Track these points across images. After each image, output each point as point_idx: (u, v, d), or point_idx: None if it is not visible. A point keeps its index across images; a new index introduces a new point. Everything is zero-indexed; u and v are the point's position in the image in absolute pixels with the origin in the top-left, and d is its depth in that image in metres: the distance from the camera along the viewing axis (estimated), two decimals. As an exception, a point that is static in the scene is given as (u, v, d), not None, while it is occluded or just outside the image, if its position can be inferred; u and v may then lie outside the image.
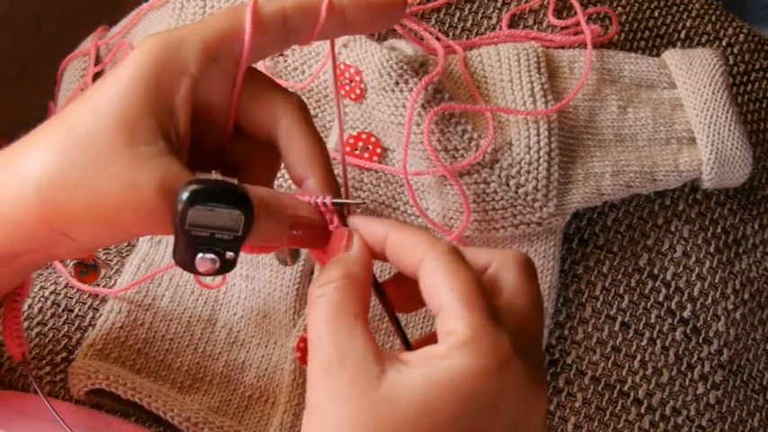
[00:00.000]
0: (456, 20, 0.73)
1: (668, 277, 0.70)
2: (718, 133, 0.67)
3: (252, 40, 0.42)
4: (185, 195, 0.39)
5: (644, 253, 0.70)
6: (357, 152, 0.66)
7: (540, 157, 0.65)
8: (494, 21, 0.74)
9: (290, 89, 0.67)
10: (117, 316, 0.62)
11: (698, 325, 0.69)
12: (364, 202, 0.43)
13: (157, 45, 0.41)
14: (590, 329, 0.67)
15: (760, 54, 0.79)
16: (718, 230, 0.72)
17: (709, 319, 0.70)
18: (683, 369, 0.68)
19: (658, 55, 0.74)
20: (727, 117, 0.67)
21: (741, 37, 0.79)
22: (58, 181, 0.40)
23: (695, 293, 0.70)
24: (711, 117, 0.67)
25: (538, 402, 0.40)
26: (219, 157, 0.46)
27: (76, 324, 0.63)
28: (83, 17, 0.84)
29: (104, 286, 0.64)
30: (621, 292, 0.69)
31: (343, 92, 0.65)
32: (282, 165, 0.47)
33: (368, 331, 0.39)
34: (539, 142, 0.65)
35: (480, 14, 0.74)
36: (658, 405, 0.67)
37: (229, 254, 0.41)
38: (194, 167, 0.43)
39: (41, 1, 0.89)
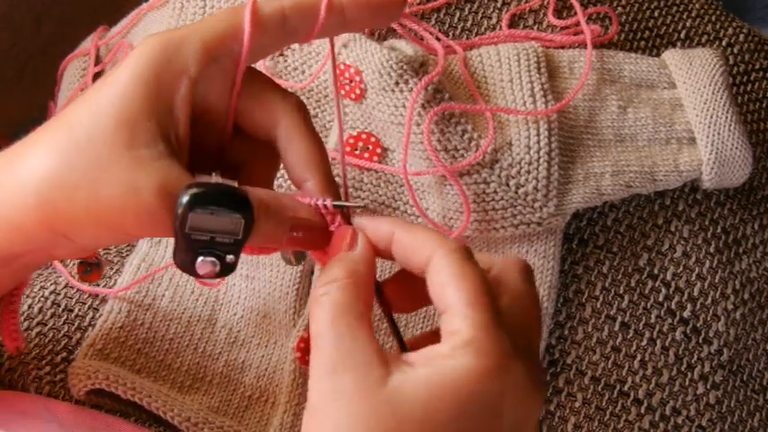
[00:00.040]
0: (456, 20, 0.73)
1: (668, 277, 0.70)
2: (718, 133, 0.67)
3: (251, 41, 0.42)
4: (185, 199, 0.39)
5: (644, 253, 0.70)
6: (357, 152, 0.66)
7: (540, 157, 0.65)
8: (494, 21, 0.74)
9: (290, 89, 0.67)
10: (117, 316, 0.62)
11: (698, 325, 0.69)
12: (365, 205, 0.43)
13: (157, 46, 0.41)
14: (590, 329, 0.67)
15: (760, 54, 0.79)
16: (718, 230, 0.72)
17: (709, 319, 0.70)
18: (683, 369, 0.68)
19: (658, 55, 0.74)
20: (727, 117, 0.67)
21: (741, 37, 0.79)
22: (58, 183, 0.40)
23: (695, 293, 0.70)
24: (711, 117, 0.67)
25: (536, 405, 0.40)
26: (219, 157, 0.46)
27: (76, 324, 0.63)
28: (83, 17, 0.84)
29: (104, 286, 0.64)
30: (621, 292, 0.69)
31: (343, 92, 0.65)
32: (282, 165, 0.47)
33: (372, 332, 0.39)
34: (539, 142, 0.65)
35: (480, 14, 0.74)
36: (658, 405, 0.67)
37: (230, 257, 0.41)
38: (194, 168, 0.43)
39: (41, 1, 0.89)
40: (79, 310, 0.63)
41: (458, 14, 0.73)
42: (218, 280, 0.63)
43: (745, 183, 0.71)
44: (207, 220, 0.39)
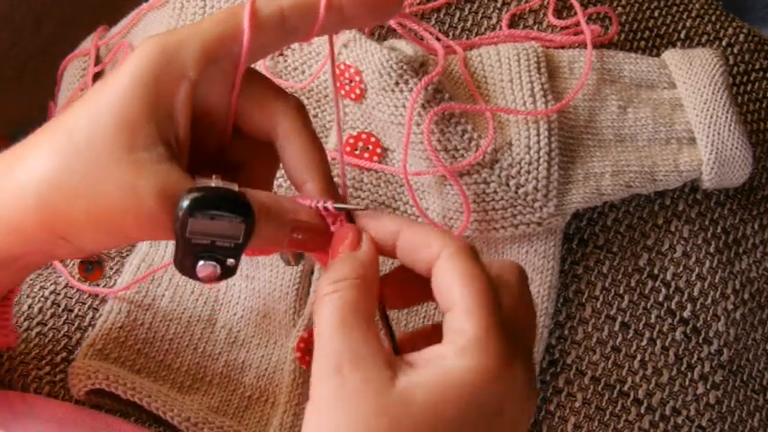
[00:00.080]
0: (456, 20, 0.73)
1: (668, 277, 0.70)
2: (718, 133, 0.67)
3: (250, 42, 0.42)
4: (185, 204, 0.39)
5: (644, 253, 0.70)
6: (357, 152, 0.66)
7: (539, 157, 0.65)
8: (494, 21, 0.74)
9: (290, 89, 0.67)
10: (117, 316, 0.62)
11: (698, 325, 0.69)
12: (366, 208, 0.43)
13: (156, 48, 0.41)
14: (590, 329, 0.67)
15: (760, 54, 0.79)
16: (718, 230, 0.72)
17: (709, 319, 0.70)
18: (682, 369, 0.68)
19: (658, 55, 0.74)
20: (727, 117, 0.67)
21: (741, 37, 0.79)
22: (57, 186, 0.40)
23: (695, 293, 0.70)
24: (711, 117, 0.67)
25: (531, 407, 0.41)
26: (219, 157, 0.46)
27: (76, 324, 0.63)
28: (83, 17, 0.84)
29: (104, 286, 0.64)
30: (621, 292, 0.69)
31: (343, 92, 0.65)
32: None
33: (377, 333, 0.39)
34: (539, 142, 0.65)
35: (480, 14, 0.74)
36: (658, 405, 0.67)
37: (230, 261, 0.41)
38: (194, 168, 0.43)
39: (41, 1, 0.89)
40: (79, 310, 0.63)
41: (458, 14, 0.73)
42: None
43: (745, 183, 0.71)
44: (207, 224, 0.39)
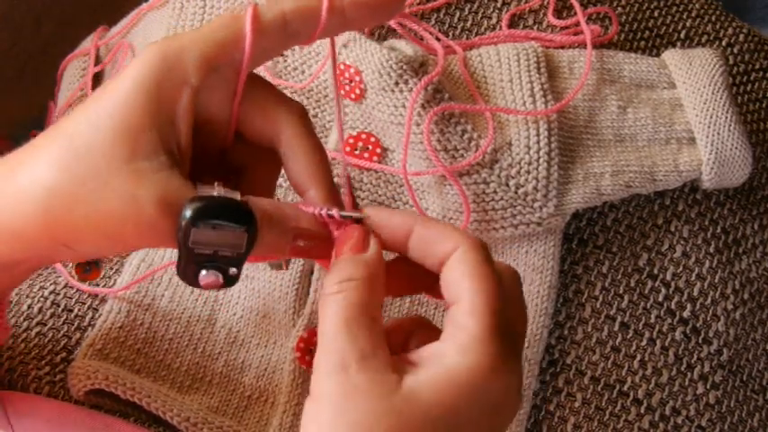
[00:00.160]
0: (456, 20, 0.73)
1: (668, 277, 0.70)
2: (718, 133, 0.67)
3: (252, 48, 0.42)
4: (188, 214, 0.39)
5: (644, 253, 0.70)
6: (357, 152, 0.66)
7: (539, 158, 0.65)
8: (494, 21, 0.74)
9: (290, 89, 0.67)
10: (116, 316, 0.62)
11: (698, 325, 0.69)
12: (368, 216, 0.43)
13: (157, 55, 0.41)
14: (590, 329, 0.67)
15: (760, 54, 0.79)
16: (718, 230, 0.72)
17: (708, 319, 0.70)
18: (682, 369, 0.68)
19: (658, 55, 0.74)
20: (726, 117, 0.67)
21: (741, 37, 0.79)
22: (58, 194, 0.40)
23: (695, 293, 0.70)
24: (711, 117, 0.67)
25: (519, 406, 0.42)
26: (220, 162, 0.46)
27: (76, 324, 0.63)
28: (83, 17, 0.84)
29: (104, 286, 0.64)
30: (621, 292, 0.69)
31: (342, 92, 0.65)
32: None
33: (382, 333, 0.40)
34: (538, 142, 0.65)
35: (480, 14, 0.74)
36: (658, 405, 0.67)
37: (233, 270, 0.41)
38: (195, 173, 0.43)
39: (41, 1, 0.89)
40: (79, 310, 0.63)
41: (458, 14, 0.74)
42: None
43: (745, 183, 0.71)
44: (210, 234, 0.39)
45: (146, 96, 0.40)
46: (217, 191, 0.40)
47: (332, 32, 0.45)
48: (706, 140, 0.67)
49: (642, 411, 0.66)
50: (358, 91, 0.64)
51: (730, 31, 0.79)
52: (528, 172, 0.65)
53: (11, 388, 0.60)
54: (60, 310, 0.63)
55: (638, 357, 0.67)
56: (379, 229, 0.43)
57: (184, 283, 0.42)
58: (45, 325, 0.62)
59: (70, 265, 0.64)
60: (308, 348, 0.62)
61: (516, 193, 0.64)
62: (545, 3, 0.74)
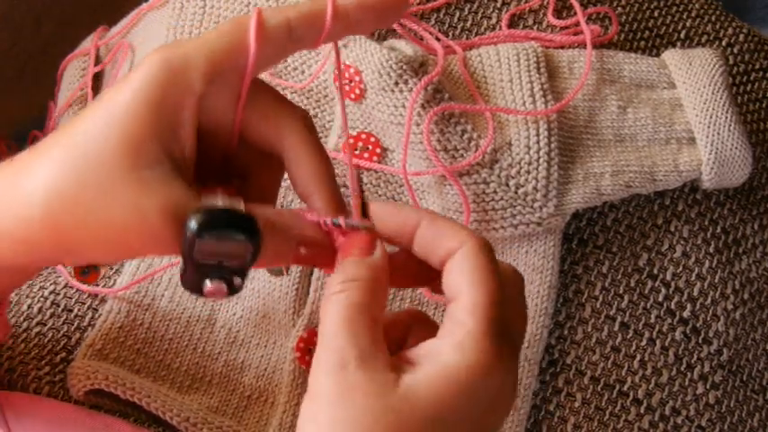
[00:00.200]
0: (456, 20, 0.73)
1: (668, 277, 0.70)
2: (718, 133, 0.67)
3: (257, 56, 0.41)
4: (193, 226, 0.38)
5: (643, 253, 0.70)
6: (357, 152, 0.66)
7: (539, 158, 0.65)
8: (493, 21, 0.74)
9: (290, 89, 0.67)
10: (116, 316, 0.62)
11: (697, 325, 0.69)
12: (374, 226, 0.43)
13: (161, 63, 0.40)
14: (589, 329, 0.67)
15: (760, 54, 0.79)
16: (718, 230, 0.72)
17: (708, 319, 0.70)
18: (682, 369, 0.68)
19: (658, 55, 0.74)
20: (726, 117, 0.67)
21: (741, 37, 0.79)
22: (62, 202, 0.40)
23: (695, 293, 0.70)
24: (711, 117, 0.67)
25: (512, 404, 0.42)
26: (223, 164, 0.46)
27: (76, 324, 0.63)
28: (83, 17, 0.84)
29: (104, 286, 0.64)
30: (621, 292, 0.69)
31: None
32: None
33: (383, 336, 0.40)
34: (538, 142, 0.65)
35: (480, 14, 0.74)
36: (658, 405, 0.67)
37: (237, 280, 0.41)
38: (198, 176, 0.42)
39: (41, 1, 0.89)
40: (78, 310, 0.63)
41: (457, 14, 0.73)
42: None
43: (745, 183, 0.71)
44: (214, 245, 0.39)
45: (150, 106, 0.40)
46: (221, 199, 0.40)
47: (336, 37, 0.44)
48: (706, 140, 0.67)
49: (642, 411, 0.66)
50: (358, 91, 0.64)
51: (730, 31, 0.79)
52: (528, 172, 0.65)
53: (11, 388, 0.60)
54: (60, 310, 0.63)
55: (638, 357, 0.67)
56: (385, 224, 0.43)
57: (189, 292, 0.42)
58: (45, 325, 0.62)
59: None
60: (307, 348, 0.62)
61: (516, 193, 0.64)
62: (545, 3, 0.74)
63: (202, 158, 0.44)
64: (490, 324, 0.39)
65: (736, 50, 0.78)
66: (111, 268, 0.65)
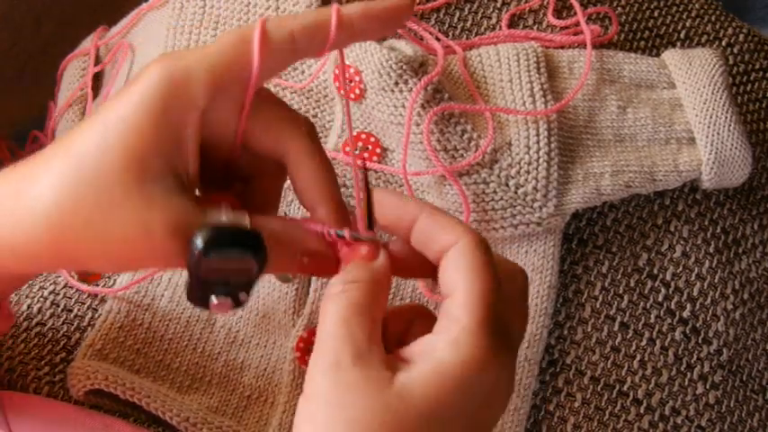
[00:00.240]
0: (456, 20, 0.73)
1: (668, 277, 0.70)
2: (718, 133, 0.67)
3: (260, 70, 0.41)
4: (199, 244, 0.38)
5: (643, 253, 0.70)
6: (357, 152, 0.66)
7: (539, 158, 0.65)
8: (493, 21, 0.74)
9: (290, 89, 0.67)
10: (116, 316, 0.62)
11: (697, 325, 0.69)
12: (380, 238, 0.43)
13: (164, 77, 0.40)
14: (589, 329, 0.67)
15: (760, 54, 0.79)
16: (718, 230, 0.72)
17: (708, 319, 0.70)
18: (682, 369, 0.68)
19: (658, 55, 0.74)
20: (726, 117, 0.67)
21: (741, 37, 0.79)
22: (64, 215, 0.40)
23: (695, 293, 0.70)
24: (711, 117, 0.67)
25: (507, 401, 0.42)
26: (226, 170, 0.46)
27: (75, 324, 0.63)
28: (83, 17, 0.84)
29: (104, 286, 0.64)
30: (621, 292, 0.69)
31: (342, 92, 0.65)
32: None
33: (380, 337, 0.40)
34: (538, 142, 0.65)
35: (480, 14, 0.74)
36: (658, 405, 0.67)
37: (242, 295, 0.41)
38: (201, 183, 0.42)
39: (41, 1, 0.89)
40: (78, 310, 0.63)
41: (457, 14, 0.73)
42: None
43: (745, 183, 0.71)
44: (220, 262, 0.39)
45: (152, 120, 0.40)
46: (225, 214, 0.40)
47: (340, 46, 0.44)
48: (706, 140, 0.67)
49: (642, 411, 0.66)
50: (358, 91, 0.64)
51: (730, 31, 0.79)
52: (528, 172, 0.65)
53: (10, 388, 0.60)
54: (60, 310, 0.63)
55: (638, 357, 0.67)
56: (386, 212, 0.43)
57: (195, 306, 0.42)
58: (45, 325, 0.62)
59: (70, 265, 0.64)
60: (307, 348, 0.62)
61: (516, 193, 0.64)
62: (545, 3, 0.74)
63: (204, 166, 0.44)
64: (485, 320, 0.39)
65: (736, 50, 0.78)
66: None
